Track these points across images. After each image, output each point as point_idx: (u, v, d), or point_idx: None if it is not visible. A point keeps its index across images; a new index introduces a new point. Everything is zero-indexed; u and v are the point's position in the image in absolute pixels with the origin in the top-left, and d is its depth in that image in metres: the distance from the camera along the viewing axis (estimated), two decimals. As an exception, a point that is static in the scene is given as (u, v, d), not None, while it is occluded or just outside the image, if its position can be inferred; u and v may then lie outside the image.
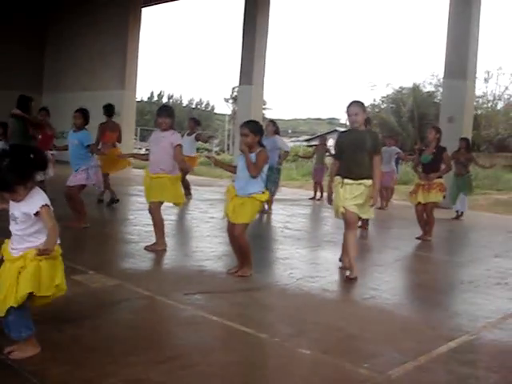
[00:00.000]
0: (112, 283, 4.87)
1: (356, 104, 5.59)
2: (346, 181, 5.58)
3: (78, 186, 7.50)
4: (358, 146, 5.54)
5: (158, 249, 6.30)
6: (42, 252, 3.04)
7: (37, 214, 3.08)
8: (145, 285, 4.84)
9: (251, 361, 3.51)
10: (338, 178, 5.69)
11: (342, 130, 7.15)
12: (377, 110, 40.15)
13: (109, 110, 10.95)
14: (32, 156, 3.06)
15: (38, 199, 3.10)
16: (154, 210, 6.30)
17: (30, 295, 3.09)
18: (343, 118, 62.35)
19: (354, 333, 4.04)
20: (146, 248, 6.31)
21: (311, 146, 37.60)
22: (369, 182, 5.51)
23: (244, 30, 18.06)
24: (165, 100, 67.69)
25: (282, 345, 3.69)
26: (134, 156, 7.83)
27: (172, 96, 66.14)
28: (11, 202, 3.14)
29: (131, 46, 22.90)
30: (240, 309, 4.43)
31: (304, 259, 6.59)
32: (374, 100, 41.69)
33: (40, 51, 26.59)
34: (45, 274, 3.11)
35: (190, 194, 12.10)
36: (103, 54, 23.57)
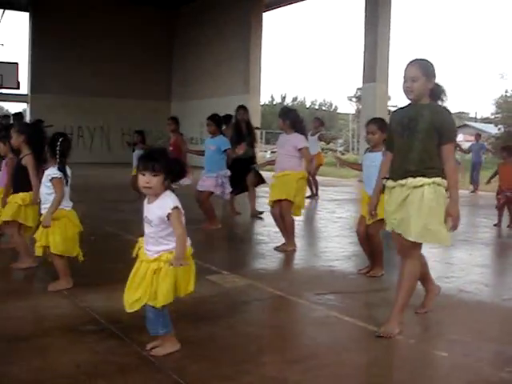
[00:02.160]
0: (244, 283, 4.97)
1: (415, 64, 3.65)
2: (388, 183, 3.77)
3: (207, 192, 7.71)
4: (407, 127, 3.64)
5: (287, 249, 6.34)
6: (175, 265, 3.11)
7: (168, 216, 3.15)
8: (276, 285, 4.89)
9: (386, 362, 3.44)
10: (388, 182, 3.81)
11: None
12: (510, 99, 37.96)
13: (224, 119, 11.65)
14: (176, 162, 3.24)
15: (170, 201, 3.17)
16: (285, 210, 6.31)
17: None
18: (473, 111, 59.41)
19: (493, 335, 3.85)
20: (276, 248, 6.38)
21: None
22: (420, 180, 3.58)
23: (366, 27, 17.79)
24: (289, 102, 68.27)
25: (418, 346, 3.59)
26: (269, 163, 7.88)
27: (296, 98, 66.53)
28: (146, 206, 3.26)
29: (254, 50, 23.28)
30: (372, 309, 4.37)
31: (437, 259, 6.35)
32: (506, 91, 39.44)
33: (168, 62, 27.81)
34: (181, 276, 3.20)
35: (316, 194, 12.12)
36: (227, 60, 24.16)
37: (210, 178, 7.68)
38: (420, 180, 3.56)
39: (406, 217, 3.59)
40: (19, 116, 13.77)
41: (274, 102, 64.61)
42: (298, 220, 8.40)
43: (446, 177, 3.57)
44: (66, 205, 4.59)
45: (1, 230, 6.37)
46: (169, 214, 3.14)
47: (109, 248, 6.35)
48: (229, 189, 7.94)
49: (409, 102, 3.75)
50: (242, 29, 23.28)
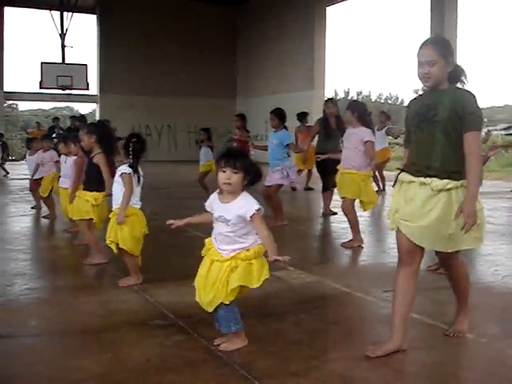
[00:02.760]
0: (311, 279, 4.95)
1: (431, 45, 3.16)
2: (403, 176, 3.28)
3: (275, 185, 7.71)
4: (426, 118, 3.18)
5: (354, 245, 6.29)
6: (275, 261, 3.15)
7: (252, 216, 3.17)
8: (343, 281, 4.85)
9: (455, 361, 3.36)
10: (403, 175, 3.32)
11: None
12: None
13: (299, 116, 12.38)
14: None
15: (252, 202, 3.19)
16: (347, 208, 6.28)
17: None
18: (547, 102, 56.78)
19: None
20: (343, 245, 6.33)
21: (510, 134, 35.05)
22: (448, 183, 3.10)
23: (432, 19, 17.36)
24: (353, 96, 67.53)
25: (490, 346, 3.48)
26: (330, 157, 7.90)
27: (361, 92, 65.70)
28: (219, 205, 3.26)
29: (318, 45, 23.12)
30: (441, 307, 4.26)
31: (509, 255, 6.16)
32: None
33: (232, 59, 28.00)
34: (255, 272, 3.22)
35: (384, 189, 11.95)
36: (291, 56, 24.10)
37: (276, 172, 7.68)
38: (448, 183, 3.09)
39: (432, 225, 3.11)
40: (83, 118, 14.27)
41: (338, 97, 64.12)
42: (366, 216, 8.31)
43: (467, 170, 3.07)
44: (136, 203, 4.70)
45: (72, 227, 6.61)
46: (253, 214, 3.15)
47: (177, 244, 6.44)
48: (296, 179, 7.92)
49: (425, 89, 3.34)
50: (305, 24, 23.17)
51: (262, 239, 3.20)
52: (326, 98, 9.85)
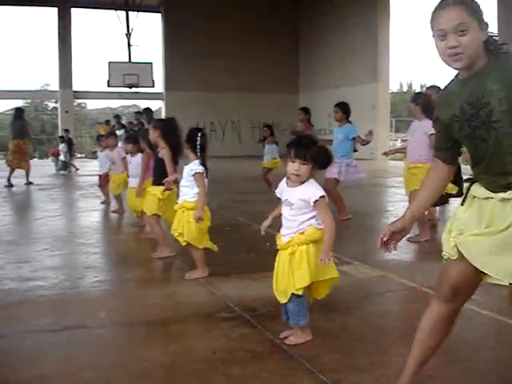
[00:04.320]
0: (376, 274, 4.89)
1: (456, 4, 2.10)
2: (477, 190, 2.26)
3: (332, 179, 7.62)
4: (476, 116, 2.13)
5: (421, 240, 6.17)
6: (323, 260, 3.13)
7: (315, 202, 3.19)
8: (410, 276, 4.76)
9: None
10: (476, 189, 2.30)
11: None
12: None
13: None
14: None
15: (316, 189, 3.22)
16: None
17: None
18: None
19: None
20: (409, 239, 6.21)
21: None
22: None
23: (498, 10, 16.79)
24: (416, 89, 66.13)
25: None
26: (398, 151, 7.80)
27: (424, 85, 64.24)
28: (286, 189, 3.31)
29: (381, 37, 22.79)
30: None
31: None
32: None
33: (295, 54, 27.99)
34: (314, 260, 3.20)
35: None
36: (353, 49, 23.86)
37: (335, 165, 7.58)
38: None
39: None
40: (149, 110, 14.29)
41: (404, 90, 62.86)
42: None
43: None
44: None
45: (141, 221, 6.76)
46: (316, 200, 3.17)
47: (241, 238, 6.49)
48: (350, 174, 7.71)
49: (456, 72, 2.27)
50: (368, 16, 22.90)
51: (325, 228, 3.20)
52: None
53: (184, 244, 4.75)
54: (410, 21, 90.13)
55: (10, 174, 13.40)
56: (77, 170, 18.48)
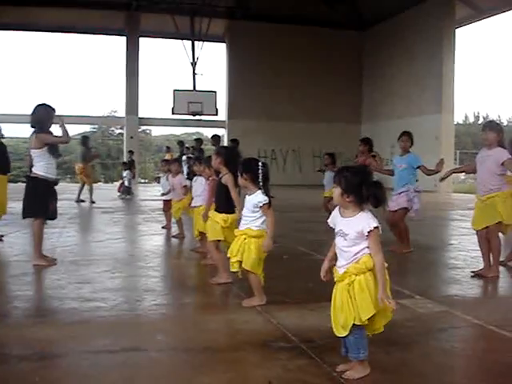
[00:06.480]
0: (439, 309, 4.74)
1: None
2: None
3: (402, 210, 7.47)
4: None
5: (488, 275, 5.92)
6: (380, 299, 3.07)
7: (369, 233, 3.14)
8: (474, 313, 4.58)
9: None
10: None
11: None
12: None
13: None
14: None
15: (370, 219, 3.17)
16: (492, 234, 5.94)
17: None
18: None
19: None
20: (474, 274, 6.00)
21: None
22: None
23: None
24: (481, 121, 64.59)
25: None
26: (454, 172, 7.48)
27: (487, 116, 62.75)
28: (340, 219, 3.27)
29: (446, 68, 22.52)
30: None
31: None
32: None
33: (358, 84, 27.98)
34: (374, 288, 3.14)
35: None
36: (418, 79, 23.65)
37: (402, 195, 7.41)
38: None
39: None
40: (218, 138, 15.15)
41: (468, 122, 61.63)
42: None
43: None
44: (264, 226, 4.71)
45: (200, 247, 6.77)
46: (370, 231, 3.13)
47: (300, 267, 6.43)
48: (417, 205, 7.50)
49: None
50: (433, 47, 22.71)
51: (376, 266, 3.13)
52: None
53: (234, 270, 4.74)
54: (476, 52, 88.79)
55: (80, 190, 15.82)
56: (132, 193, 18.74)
